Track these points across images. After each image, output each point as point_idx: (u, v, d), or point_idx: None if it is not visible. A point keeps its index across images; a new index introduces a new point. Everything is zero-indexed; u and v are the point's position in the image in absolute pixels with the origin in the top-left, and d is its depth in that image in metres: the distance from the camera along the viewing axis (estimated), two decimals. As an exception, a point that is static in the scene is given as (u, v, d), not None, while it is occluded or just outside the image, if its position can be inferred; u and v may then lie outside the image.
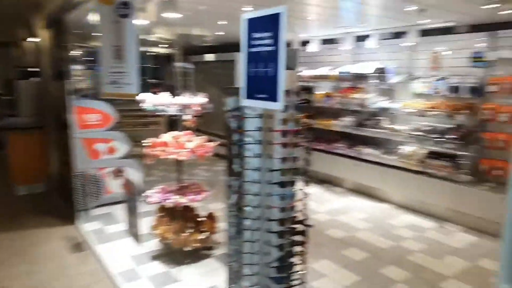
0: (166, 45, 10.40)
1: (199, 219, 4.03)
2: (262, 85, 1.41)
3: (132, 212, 3.76)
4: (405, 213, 5.42)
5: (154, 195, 3.88)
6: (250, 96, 1.47)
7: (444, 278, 3.66)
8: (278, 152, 2.41)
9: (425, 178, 5.28)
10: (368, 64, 6.09)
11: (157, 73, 12.46)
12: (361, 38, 6.27)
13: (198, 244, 3.80)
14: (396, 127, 5.75)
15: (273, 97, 1.37)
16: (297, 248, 2.57)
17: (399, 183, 5.61)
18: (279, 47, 1.36)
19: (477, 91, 5.01)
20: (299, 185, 2.50)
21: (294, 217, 2.51)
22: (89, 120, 5.14)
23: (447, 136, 5.09)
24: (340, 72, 6.42)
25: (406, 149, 5.74)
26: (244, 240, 2.55)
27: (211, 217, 4.11)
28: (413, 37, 5.32)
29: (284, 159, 2.39)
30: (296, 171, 2.46)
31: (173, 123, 11.36)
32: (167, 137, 3.95)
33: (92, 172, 5.21)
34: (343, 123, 6.35)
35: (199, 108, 3.69)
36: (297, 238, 2.55)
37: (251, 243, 2.53)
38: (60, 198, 5.80)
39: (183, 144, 3.75)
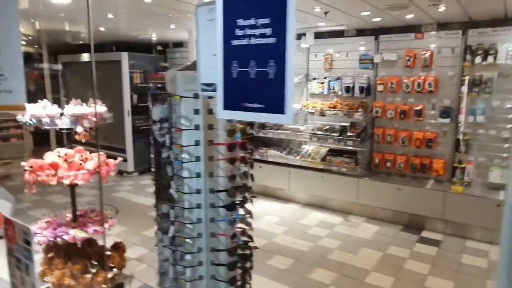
0: (24, 43, 8.73)
1: (103, 253, 3.32)
2: (255, 91, 1.04)
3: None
4: (313, 210, 5.56)
5: (42, 232, 3.04)
6: (233, 106, 1.09)
7: (366, 272, 3.78)
8: (222, 169, 2.04)
9: (327, 175, 5.49)
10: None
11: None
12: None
13: (108, 285, 3.12)
14: (299, 127, 5.86)
15: (274, 107, 1.02)
16: (246, 276, 2.25)
17: (304, 182, 5.73)
18: (286, 38, 1.01)
19: (367, 90, 5.43)
20: (247, 205, 2.18)
21: (245, 242, 2.17)
22: None
23: (345, 134, 5.38)
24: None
25: (309, 148, 5.90)
26: (184, 278, 2.10)
27: (117, 247, 3.44)
28: (310, 39, 5.47)
29: (231, 177, 2.03)
30: (244, 189, 2.12)
31: (40, 135, 9.62)
32: (53, 156, 3.14)
33: None
34: (245, 126, 6.19)
35: (95, 119, 3.01)
36: (245, 264, 2.23)
37: (194, 281, 2.10)
38: None
39: (79, 164, 3.02)
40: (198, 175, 2.02)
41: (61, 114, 2.84)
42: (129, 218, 5.14)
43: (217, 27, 1.18)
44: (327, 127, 5.66)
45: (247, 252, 2.17)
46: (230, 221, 2.03)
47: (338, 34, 5.67)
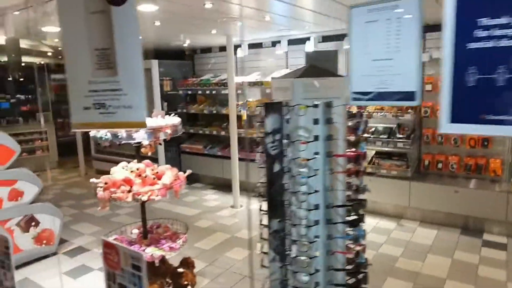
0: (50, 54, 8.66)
1: (176, 271, 3.18)
2: (506, 102, 0.89)
3: None
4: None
5: (115, 252, 2.89)
6: (467, 118, 0.94)
7: (441, 281, 3.61)
8: (341, 182, 1.89)
9: (375, 178, 5.32)
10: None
11: (25, 88, 10.34)
12: (294, 42, 6.11)
13: (185, 304, 2.97)
14: (342, 130, 5.70)
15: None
16: (362, 296, 2.09)
17: (350, 187, 5.56)
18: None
19: (414, 90, 5.26)
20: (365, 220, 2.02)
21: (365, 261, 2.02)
22: (-20, 157, 3.70)
23: (393, 136, 5.21)
24: (272, 78, 6.08)
25: (352, 151, 5.74)
26: (302, 301, 1.94)
27: (187, 264, 3.30)
28: (315, 43, 5.33)
29: (355, 191, 1.87)
30: (360, 204, 1.96)
31: (63, 147, 9.49)
32: (122, 171, 3.00)
33: (-9, 228, 3.77)
34: (284, 131, 6.04)
35: (170, 131, 2.87)
36: (363, 284, 2.07)
37: (314, 304, 1.94)
38: None
39: (152, 179, 2.87)
40: (317, 190, 1.87)
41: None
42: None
43: (444, 29, 1.03)
44: (373, 129, 5.50)
45: (365, 270, 2.01)
46: (353, 238, 1.88)
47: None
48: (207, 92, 6.99)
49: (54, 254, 4.39)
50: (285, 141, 1.90)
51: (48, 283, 3.78)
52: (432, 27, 5.15)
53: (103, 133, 2.64)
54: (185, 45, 6.71)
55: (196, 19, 4.28)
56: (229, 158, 6.63)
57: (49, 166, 8.96)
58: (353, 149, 1.89)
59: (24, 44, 7.53)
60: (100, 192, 2.74)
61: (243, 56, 6.67)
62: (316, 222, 1.89)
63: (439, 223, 4.93)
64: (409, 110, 5.08)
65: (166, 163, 7.31)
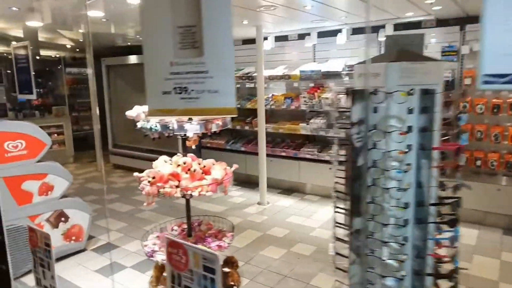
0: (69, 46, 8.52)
1: (222, 271, 3.01)
2: None
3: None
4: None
5: (161, 249, 2.74)
6: None
7: (495, 284, 3.43)
8: (435, 178, 1.71)
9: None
10: (336, 62, 5.72)
11: (41, 81, 10.22)
12: (322, 35, 5.92)
13: (234, 306, 2.81)
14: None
15: None
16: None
17: (382, 184, 5.38)
18: None
19: (452, 84, 5.06)
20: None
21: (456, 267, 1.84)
22: (11, 150, 3.55)
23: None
24: (301, 71, 5.92)
25: (383, 147, 5.55)
26: (388, 308, 1.77)
27: (231, 263, 3.13)
28: (390, 32, 5.12)
29: (454, 188, 1.69)
30: (458, 203, 1.78)
31: (78, 141, 9.36)
32: (166, 165, 2.84)
33: (22, 223, 3.62)
34: (313, 126, 5.86)
35: (221, 123, 2.70)
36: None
37: (402, 311, 1.77)
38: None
39: (200, 174, 2.71)
40: (409, 186, 1.69)
41: (189, 119, 2.53)
42: (205, 227, 4.84)
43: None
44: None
45: (456, 275, 1.84)
46: (451, 240, 1.70)
47: (414, 25, 5.31)
48: (230, 85, 6.80)
49: (83, 250, 4.25)
50: (370, 132, 1.72)
51: (80, 281, 3.64)
52: (471, 19, 4.95)
53: (153, 124, 2.48)
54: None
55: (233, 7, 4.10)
56: (252, 153, 6.48)
57: (68, 161, 8.83)
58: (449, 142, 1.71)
59: (40, 37, 7.40)
60: (147, 187, 2.58)
61: (270, 49, 6.48)
62: (406, 222, 1.72)
63: (479, 223, 4.74)
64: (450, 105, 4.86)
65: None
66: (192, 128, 2.46)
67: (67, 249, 4.09)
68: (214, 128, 2.58)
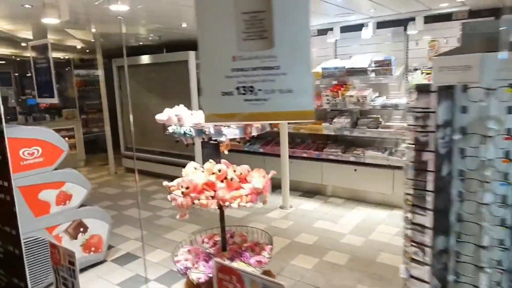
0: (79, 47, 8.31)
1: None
2: None
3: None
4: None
5: (194, 266, 2.49)
6: None
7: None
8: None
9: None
10: (361, 57, 5.44)
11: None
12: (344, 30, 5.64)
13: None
14: (403, 124, 5.23)
15: None
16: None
17: (413, 185, 5.09)
18: None
19: (487, 79, 4.77)
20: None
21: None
22: (27, 157, 3.32)
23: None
24: (323, 68, 5.65)
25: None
26: None
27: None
28: (420, 25, 4.84)
29: None
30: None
31: (88, 144, 9.15)
32: (197, 173, 2.59)
33: (40, 235, 3.40)
34: (336, 125, 5.59)
35: (260, 126, 2.44)
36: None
37: None
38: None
39: (238, 182, 2.46)
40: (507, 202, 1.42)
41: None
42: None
43: None
44: (439, 122, 5.00)
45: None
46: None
47: (444, 17, 5.01)
48: (247, 85, 6.55)
49: (102, 262, 4.02)
50: (457, 136, 1.46)
51: (102, 296, 3.42)
52: (509, 9, 4.65)
53: (187, 129, 2.23)
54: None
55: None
56: (272, 155, 6.23)
57: (77, 165, 8.63)
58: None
59: (49, 38, 7.19)
60: (180, 198, 2.33)
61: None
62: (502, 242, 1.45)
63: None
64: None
65: (203, 161, 6.93)
66: (231, 133, 2.20)
67: (86, 261, 3.86)
68: (254, 132, 2.33)
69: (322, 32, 5.93)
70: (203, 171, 2.61)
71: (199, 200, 2.31)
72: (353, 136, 5.57)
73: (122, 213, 5.60)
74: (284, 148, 5.39)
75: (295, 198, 5.89)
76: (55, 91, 3.36)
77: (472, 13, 4.84)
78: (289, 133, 5.94)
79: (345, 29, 5.67)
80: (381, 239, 4.35)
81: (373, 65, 5.24)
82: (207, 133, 2.23)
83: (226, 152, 2.72)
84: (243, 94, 1.21)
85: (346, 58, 5.76)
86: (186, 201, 2.32)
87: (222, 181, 2.47)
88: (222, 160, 2.70)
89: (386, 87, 5.57)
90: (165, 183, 2.53)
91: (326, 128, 5.69)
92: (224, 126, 2.21)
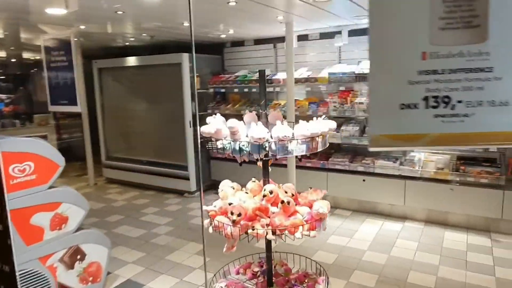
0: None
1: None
2: None
3: None
4: (443, 230, 4.75)
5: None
6: None
7: None
8: None
9: (458, 187, 4.69)
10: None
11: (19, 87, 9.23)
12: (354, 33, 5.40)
13: None
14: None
15: None
16: None
17: (424, 196, 4.91)
18: None
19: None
20: None
21: None
22: (17, 175, 2.77)
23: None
24: (330, 73, 5.37)
25: (421, 156, 5.09)
26: None
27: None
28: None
29: None
30: None
31: (64, 152, 8.42)
32: (240, 195, 2.19)
33: (32, 267, 2.84)
34: (344, 133, 5.32)
35: (323, 140, 2.07)
36: None
37: None
38: None
39: (294, 206, 2.07)
40: None
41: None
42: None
43: None
44: (453, 131, 4.85)
45: None
46: None
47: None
48: (245, 90, 6.17)
49: None
50: None
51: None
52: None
53: (244, 144, 1.83)
54: (223, 36, 5.87)
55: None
56: (273, 165, 5.87)
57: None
58: None
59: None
60: (229, 228, 1.91)
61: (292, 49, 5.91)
62: None
63: (539, 238, 4.36)
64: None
65: (197, 172, 6.45)
66: (299, 150, 1.82)
67: (83, 293, 3.32)
68: (320, 147, 1.96)
69: (325, 35, 5.68)
70: (246, 192, 2.21)
71: (253, 229, 1.91)
72: (361, 145, 5.32)
73: (112, 231, 5.03)
74: (292, 157, 5.05)
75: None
76: (78, 98, 2.82)
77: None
78: (292, 141, 5.63)
79: (350, 33, 5.44)
80: (404, 255, 4.09)
81: (384, 71, 5.02)
82: (267, 149, 1.84)
83: (270, 169, 2.33)
84: (434, 107, 0.85)
85: (352, 63, 5.52)
86: (236, 231, 1.91)
87: (272, 205, 2.08)
88: (264, 180, 2.31)
89: (394, 94, 5.37)
90: (205, 207, 2.10)
91: (333, 137, 5.40)
92: (291, 140, 1.83)
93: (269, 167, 2.19)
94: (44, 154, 2.93)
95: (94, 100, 7.38)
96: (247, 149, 1.83)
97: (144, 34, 5.49)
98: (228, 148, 1.89)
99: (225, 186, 2.33)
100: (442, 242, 4.40)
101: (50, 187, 3.00)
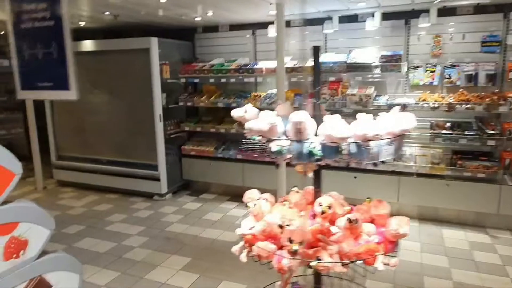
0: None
1: None
2: None
3: None
4: (440, 227, 4.57)
5: None
6: None
7: None
8: None
9: (454, 183, 4.53)
10: (364, 52, 4.88)
11: None
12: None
13: None
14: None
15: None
16: None
17: (419, 193, 4.70)
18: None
19: (495, 78, 4.55)
20: None
21: None
22: (-44, 189, 1.99)
23: (482, 132, 4.43)
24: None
25: (413, 151, 4.87)
26: None
27: None
28: (433, 18, 4.42)
29: None
30: None
31: None
32: (284, 210, 1.66)
33: (-20, 316, 2.10)
34: (335, 128, 4.94)
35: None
36: None
37: None
38: None
39: (361, 226, 1.59)
40: None
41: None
42: (219, 265, 3.62)
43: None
44: (448, 124, 4.67)
45: None
46: None
47: (447, 12, 4.69)
48: (223, 80, 5.57)
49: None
50: None
51: None
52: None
53: (315, 146, 1.30)
54: (198, 19, 5.20)
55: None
56: (251, 161, 5.41)
57: None
58: None
59: None
60: (286, 261, 1.39)
61: (269, 38, 5.44)
62: None
63: (536, 232, 4.30)
64: (501, 102, 4.32)
65: (168, 172, 5.75)
66: (385, 153, 1.34)
67: (48, 334, 2.59)
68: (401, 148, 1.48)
69: (313, 22, 5.26)
70: (291, 207, 1.69)
71: (318, 259, 1.40)
72: (353, 140, 4.99)
73: (73, 246, 4.23)
74: (283, 155, 4.57)
75: (286, 211, 5.10)
76: (71, 78, 2.02)
77: (478, 8, 4.59)
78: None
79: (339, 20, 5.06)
80: (410, 258, 3.82)
81: (377, 61, 4.71)
82: (344, 152, 1.34)
83: (310, 174, 1.84)
84: None
85: (340, 52, 5.15)
86: (295, 263, 1.39)
87: (330, 223, 1.59)
88: (308, 190, 1.80)
89: (384, 85, 5.10)
90: (238, 230, 1.55)
91: (322, 131, 5.00)
92: (378, 140, 1.34)
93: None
94: (-7, 159, 2.17)
95: (41, 90, 6.33)
96: (319, 152, 1.31)
97: (107, 13, 4.66)
98: (285, 150, 1.35)
99: (256, 198, 1.78)
100: (443, 241, 4.20)
101: (4, 203, 2.25)
